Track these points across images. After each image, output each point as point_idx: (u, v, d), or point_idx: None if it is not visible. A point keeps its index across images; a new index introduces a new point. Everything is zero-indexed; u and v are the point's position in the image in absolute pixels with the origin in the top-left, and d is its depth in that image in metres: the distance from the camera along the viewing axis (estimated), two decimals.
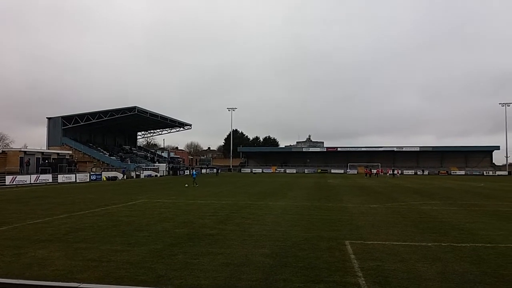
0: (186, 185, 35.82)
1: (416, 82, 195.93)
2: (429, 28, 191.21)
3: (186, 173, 73.25)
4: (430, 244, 10.26)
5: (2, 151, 61.97)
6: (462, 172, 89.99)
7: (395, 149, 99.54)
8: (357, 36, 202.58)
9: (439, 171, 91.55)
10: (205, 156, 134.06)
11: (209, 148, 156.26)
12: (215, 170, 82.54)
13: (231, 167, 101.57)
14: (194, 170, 43.30)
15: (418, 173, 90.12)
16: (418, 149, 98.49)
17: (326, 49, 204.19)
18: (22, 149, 52.46)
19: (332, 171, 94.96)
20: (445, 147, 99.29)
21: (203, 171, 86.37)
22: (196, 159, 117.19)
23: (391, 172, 67.41)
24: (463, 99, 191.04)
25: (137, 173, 58.82)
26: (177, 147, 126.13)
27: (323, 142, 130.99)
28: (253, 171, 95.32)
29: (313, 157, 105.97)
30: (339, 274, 7.40)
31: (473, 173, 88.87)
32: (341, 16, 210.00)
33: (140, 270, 7.58)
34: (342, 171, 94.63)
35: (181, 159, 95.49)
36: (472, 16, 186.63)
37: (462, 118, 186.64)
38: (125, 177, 51.76)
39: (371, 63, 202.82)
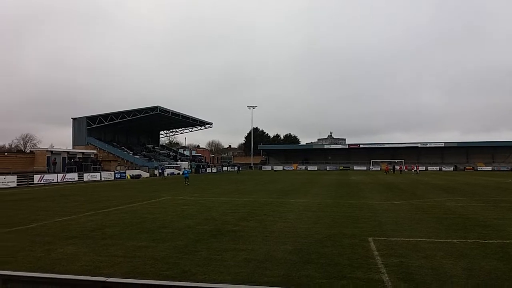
0: (187, 183, 35.19)
1: (439, 77, 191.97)
2: (452, 22, 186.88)
3: (207, 171, 73.86)
4: (455, 240, 10.07)
5: (30, 151, 63.92)
6: (489, 168, 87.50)
7: (419, 145, 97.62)
8: (378, 31, 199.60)
9: (464, 167, 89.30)
10: (226, 154, 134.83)
11: (230, 146, 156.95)
12: (236, 168, 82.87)
13: (252, 164, 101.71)
14: (185, 169, 41.86)
15: (443, 169, 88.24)
16: (443, 145, 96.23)
17: (346, 45, 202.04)
18: (49, 149, 53.90)
19: (355, 168, 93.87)
20: (471, 142, 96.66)
21: (224, 168, 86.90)
22: (217, 157, 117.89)
23: (415, 169, 66.06)
24: (487, 94, 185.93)
25: (159, 171, 59.65)
26: (198, 146, 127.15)
27: (345, 139, 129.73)
28: (274, 169, 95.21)
29: (334, 154, 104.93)
30: (362, 270, 7.36)
31: (501, 168, 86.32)
32: (361, 11, 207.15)
33: (165, 265, 7.73)
34: (364, 168, 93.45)
35: (202, 157, 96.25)
36: (497, 10, 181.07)
37: (486, 113, 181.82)
38: (162, 174, 51.98)
39: (392, 59, 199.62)
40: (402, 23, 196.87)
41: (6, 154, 53.27)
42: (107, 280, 3.25)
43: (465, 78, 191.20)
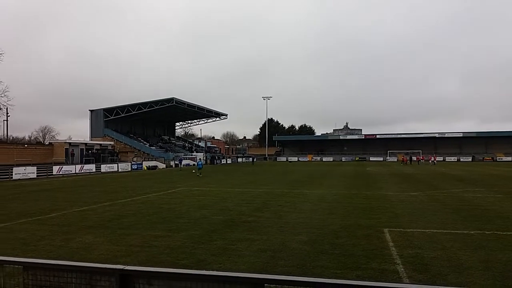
0: (196, 173, 35.29)
1: (456, 66, 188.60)
2: (468, 11, 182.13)
3: (222, 162, 74.21)
4: (472, 232, 9.95)
5: (49, 142, 65.12)
6: (509, 158, 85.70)
7: (436, 135, 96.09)
8: (394, 20, 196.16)
9: (483, 158, 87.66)
10: (241, 145, 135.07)
11: (244, 137, 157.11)
12: (251, 159, 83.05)
13: (266, 155, 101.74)
14: (200, 160, 41.81)
15: (462, 159, 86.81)
16: (461, 135, 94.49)
17: (362, 34, 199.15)
18: (67, 141, 54.81)
19: (371, 159, 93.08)
20: (490, 132, 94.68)
21: (239, 160, 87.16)
22: (232, 148, 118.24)
23: (433, 159, 65.18)
24: (506, 83, 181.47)
25: (176, 162, 60.20)
26: (213, 137, 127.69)
27: (361, 130, 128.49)
28: (289, 160, 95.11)
29: (350, 145, 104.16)
30: (377, 261, 7.35)
31: None
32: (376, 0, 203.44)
33: (181, 255, 7.85)
34: (381, 158, 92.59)
35: (217, 149, 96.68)
36: None
37: (506, 102, 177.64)
38: (178, 165, 52.65)
39: (409, 47, 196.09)
40: (421, 10, 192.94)
41: (26, 146, 54.41)
42: (125, 268, 3.32)
43: (483, 66, 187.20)
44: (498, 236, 9.42)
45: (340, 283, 2.81)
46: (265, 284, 2.93)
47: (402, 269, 6.86)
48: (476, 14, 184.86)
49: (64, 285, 3.36)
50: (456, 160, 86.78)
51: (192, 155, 69.84)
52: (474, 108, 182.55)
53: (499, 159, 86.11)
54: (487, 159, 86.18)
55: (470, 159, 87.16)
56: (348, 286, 2.71)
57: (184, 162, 60.10)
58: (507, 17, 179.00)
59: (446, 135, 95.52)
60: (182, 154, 68.13)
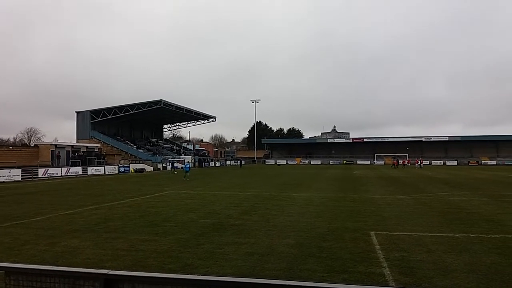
0: (186, 178, 33.80)
1: (442, 70, 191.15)
2: (455, 15, 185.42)
3: (210, 165, 73.98)
4: (457, 235, 10.08)
5: (35, 144, 64.26)
6: (494, 162, 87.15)
7: (423, 139, 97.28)
8: (381, 24, 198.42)
9: (469, 161, 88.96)
10: (229, 148, 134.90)
11: (233, 140, 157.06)
12: (238, 162, 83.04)
13: (255, 158, 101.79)
14: (188, 163, 40.85)
15: (447, 163, 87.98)
16: (447, 139, 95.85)
17: (350, 38, 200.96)
18: (53, 143, 54.18)
19: (358, 162, 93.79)
20: (475, 136, 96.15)
21: (228, 163, 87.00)
22: (221, 151, 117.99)
23: (419, 163, 66.01)
24: (490, 87, 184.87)
25: (163, 165, 59.83)
26: (202, 140, 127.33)
27: (348, 133, 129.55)
28: (278, 163, 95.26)
29: (338, 148, 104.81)
30: (364, 264, 7.39)
31: (505, 163, 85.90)
32: (364, 4, 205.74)
33: (168, 259, 7.79)
34: (368, 162, 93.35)
35: (206, 151, 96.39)
36: (500, 2, 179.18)
37: (491, 106, 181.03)
38: (172, 168, 51.80)
39: (396, 51, 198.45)
40: (408, 15, 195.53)
41: (11, 148, 53.58)
42: (110, 273, 3.28)
43: (470, 69, 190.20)
44: (482, 239, 9.55)
45: (326, 286, 2.82)
46: None
47: (389, 272, 6.91)
48: (463, 18, 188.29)
49: None
50: (442, 163, 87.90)
51: (180, 158, 69.53)
52: (460, 112, 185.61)
53: (484, 162, 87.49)
54: (472, 163, 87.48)
55: (455, 162, 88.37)
56: None
57: (176, 165, 59.78)
58: (494, 21, 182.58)
59: (432, 139, 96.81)
60: (171, 157, 67.76)
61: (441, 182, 30.05)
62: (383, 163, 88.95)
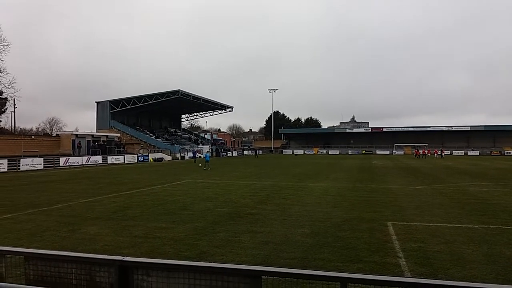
0: (203, 167, 34.54)
1: (464, 58, 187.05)
2: (478, 3, 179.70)
3: (228, 155, 74.30)
4: (477, 226, 9.90)
5: (56, 134, 65.60)
6: None
7: (444, 128, 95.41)
8: (401, 13, 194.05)
9: (491, 152, 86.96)
10: (246, 138, 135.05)
11: (250, 130, 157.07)
12: (255, 152, 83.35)
13: (272, 148, 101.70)
14: (207, 152, 41.14)
15: (469, 153, 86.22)
16: (469, 129, 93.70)
17: (369, 27, 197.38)
18: (74, 132, 55.18)
19: (377, 152, 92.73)
20: (498, 126, 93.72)
21: (245, 152, 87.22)
22: (238, 141, 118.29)
23: (439, 153, 64.86)
24: None
25: (182, 154, 60.41)
26: (219, 129, 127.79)
27: (368, 123, 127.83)
28: (295, 153, 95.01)
29: (357, 138, 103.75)
30: (379, 254, 7.34)
31: None
32: None
33: (184, 246, 7.90)
34: (388, 152, 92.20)
35: (223, 141, 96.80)
36: None
37: None
38: (193, 158, 51.33)
39: (417, 40, 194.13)
40: (428, 3, 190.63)
41: (33, 137, 54.81)
42: (124, 259, 3.35)
43: (492, 59, 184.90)
44: (502, 230, 9.36)
45: (337, 275, 2.82)
46: (262, 276, 2.95)
47: (404, 262, 6.85)
48: (485, 6, 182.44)
49: (64, 276, 3.41)
50: (463, 154, 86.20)
51: (198, 147, 70.02)
52: (482, 101, 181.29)
53: (507, 153, 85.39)
54: (495, 153, 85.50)
55: (477, 152, 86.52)
56: (344, 279, 2.72)
57: (190, 154, 60.21)
58: None
59: (453, 129, 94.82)
60: (189, 146, 68.31)
61: (461, 172, 29.49)
62: (402, 153, 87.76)
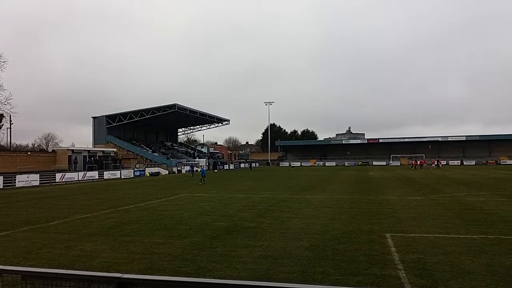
0: (199, 182, 33.18)
1: (459, 69, 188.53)
2: (473, 12, 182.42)
3: (224, 168, 74.19)
4: (475, 236, 9.89)
5: (52, 150, 65.36)
6: None
7: (439, 139, 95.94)
8: (396, 23, 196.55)
9: (487, 161, 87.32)
10: (243, 151, 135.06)
11: (247, 142, 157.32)
12: (249, 165, 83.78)
13: (269, 161, 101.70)
14: (202, 166, 40.98)
15: (465, 163, 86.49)
16: (465, 138, 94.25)
17: (364, 38, 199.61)
18: (70, 148, 55.00)
19: (374, 163, 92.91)
20: (494, 135, 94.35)
21: (242, 165, 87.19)
22: (235, 154, 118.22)
23: (436, 164, 65.08)
24: (509, 85, 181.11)
25: (178, 168, 60.25)
26: (216, 143, 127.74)
27: (363, 134, 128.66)
28: (292, 165, 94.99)
29: (353, 149, 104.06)
30: (379, 267, 7.31)
31: None
32: (378, 3, 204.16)
33: (182, 262, 7.83)
34: (384, 163, 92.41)
35: (220, 154, 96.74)
36: None
37: (510, 104, 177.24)
38: (191, 172, 51.00)
39: (413, 50, 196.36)
40: (425, 13, 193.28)
41: (29, 153, 54.59)
42: (123, 276, 3.32)
43: (487, 68, 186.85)
44: (501, 240, 9.35)
45: None
46: None
47: (404, 274, 6.82)
48: (480, 16, 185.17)
49: None
50: (459, 163, 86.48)
51: (194, 161, 69.91)
52: (478, 111, 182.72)
53: (503, 162, 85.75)
54: (491, 163, 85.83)
55: (473, 162, 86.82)
56: None
57: (187, 168, 60.11)
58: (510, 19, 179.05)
59: (449, 139, 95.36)
60: (185, 160, 68.19)
61: (458, 183, 29.55)
62: (399, 164, 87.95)
